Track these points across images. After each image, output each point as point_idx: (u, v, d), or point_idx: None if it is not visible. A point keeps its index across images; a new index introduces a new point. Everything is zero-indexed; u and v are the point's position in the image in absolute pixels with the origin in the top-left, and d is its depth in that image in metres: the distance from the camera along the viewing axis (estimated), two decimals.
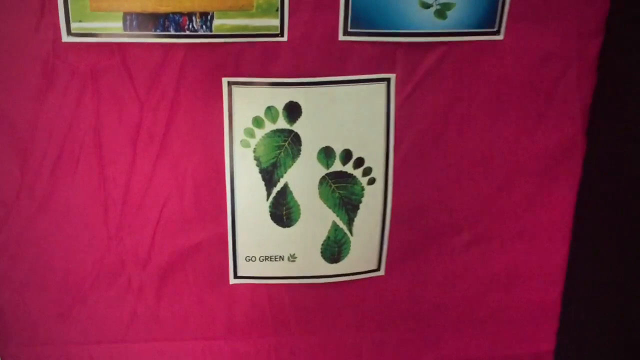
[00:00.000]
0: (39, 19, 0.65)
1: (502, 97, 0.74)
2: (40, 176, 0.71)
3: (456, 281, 0.83)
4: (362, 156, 0.75)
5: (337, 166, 0.75)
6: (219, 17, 0.67)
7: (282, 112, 0.72)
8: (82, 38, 0.66)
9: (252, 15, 0.67)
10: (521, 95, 0.74)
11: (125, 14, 0.66)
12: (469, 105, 0.74)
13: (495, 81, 0.73)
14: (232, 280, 0.80)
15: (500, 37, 0.70)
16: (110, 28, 0.66)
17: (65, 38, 0.66)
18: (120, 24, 0.66)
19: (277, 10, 0.67)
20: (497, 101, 0.74)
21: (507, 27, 0.70)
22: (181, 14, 0.66)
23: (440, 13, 0.69)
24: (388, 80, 0.71)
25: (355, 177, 0.76)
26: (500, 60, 0.72)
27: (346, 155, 0.75)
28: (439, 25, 0.69)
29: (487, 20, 0.70)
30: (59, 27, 0.65)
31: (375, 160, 0.75)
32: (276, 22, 0.67)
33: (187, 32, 0.67)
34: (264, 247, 0.78)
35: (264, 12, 0.67)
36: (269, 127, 0.73)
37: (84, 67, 0.67)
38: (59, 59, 0.67)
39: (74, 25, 0.65)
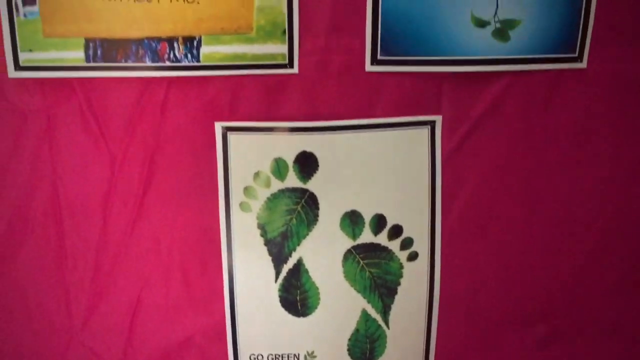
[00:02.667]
0: None
1: (584, 141, 0.68)
2: None
3: None
4: (400, 223, 0.69)
5: (366, 236, 0.69)
6: (208, 43, 0.61)
7: (293, 166, 0.67)
8: (33, 72, 0.62)
9: (251, 40, 0.61)
10: (609, 136, 0.67)
11: (88, 41, 0.61)
12: (539, 154, 0.68)
13: (575, 121, 0.67)
14: None
15: (582, 65, 0.64)
16: (69, 59, 0.61)
17: (13, 73, 0.61)
18: (81, 54, 0.61)
19: (283, 33, 0.61)
20: (577, 147, 0.68)
21: (590, 52, 0.64)
22: (159, 40, 0.61)
23: (501, 33, 0.63)
24: (432, 123, 0.66)
25: (391, 250, 0.70)
26: (581, 94, 0.65)
27: (379, 222, 0.69)
28: (499, 49, 0.64)
29: (564, 42, 0.63)
30: (4, 59, 0.60)
31: (417, 228, 0.69)
32: (283, 48, 0.62)
33: (168, 63, 0.62)
34: (273, 343, 0.72)
35: (267, 35, 0.61)
36: (276, 185, 0.67)
37: (37, 110, 0.63)
38: (5, 101, 0.62)
39: (23, 57, 0.61)
